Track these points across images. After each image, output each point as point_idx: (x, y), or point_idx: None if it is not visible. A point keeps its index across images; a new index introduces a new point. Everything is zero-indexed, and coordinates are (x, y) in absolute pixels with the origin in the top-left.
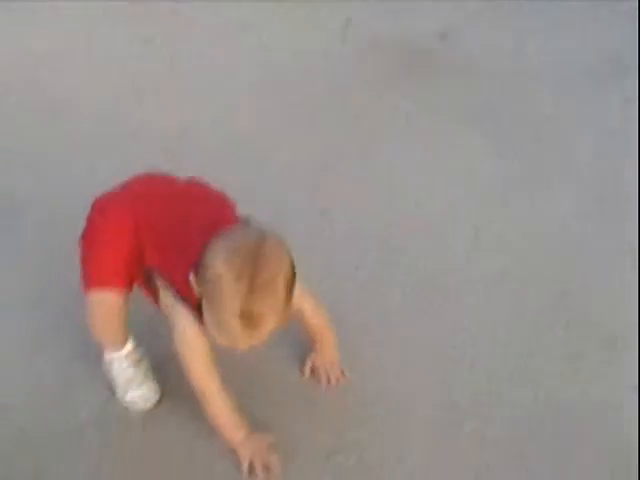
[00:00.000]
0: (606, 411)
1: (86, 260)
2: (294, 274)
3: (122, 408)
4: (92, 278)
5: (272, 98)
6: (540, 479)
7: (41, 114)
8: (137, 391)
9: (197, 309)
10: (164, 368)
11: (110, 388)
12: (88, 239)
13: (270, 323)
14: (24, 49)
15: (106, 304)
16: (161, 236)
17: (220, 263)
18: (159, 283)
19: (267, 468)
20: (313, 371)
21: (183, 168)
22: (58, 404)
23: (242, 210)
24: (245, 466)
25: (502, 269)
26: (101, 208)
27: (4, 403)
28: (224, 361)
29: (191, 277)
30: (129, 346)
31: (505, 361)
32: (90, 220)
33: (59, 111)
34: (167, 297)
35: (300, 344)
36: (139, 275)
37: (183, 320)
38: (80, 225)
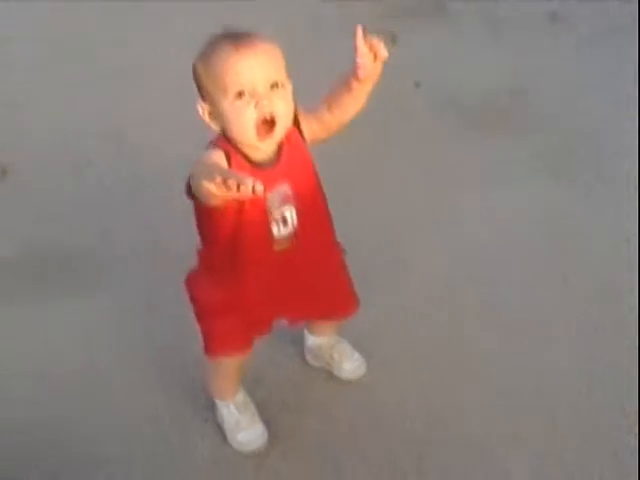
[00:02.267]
0: None
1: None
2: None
3: (234, 450)
4: (212, 346)
5: (349, 150)
6: None
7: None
8: (244, 433)
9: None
10: (270, 413)
11: (222, 432)
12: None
13: (269, 51)
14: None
15: (226, 366)
16: None
17: (198, 56)
18: None
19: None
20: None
21: None
22: (175, 446)
23: None
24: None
25: (592, 316)
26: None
27: (125, 449)
28: None
29: (199, 105)
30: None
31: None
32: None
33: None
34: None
35: None
36: None
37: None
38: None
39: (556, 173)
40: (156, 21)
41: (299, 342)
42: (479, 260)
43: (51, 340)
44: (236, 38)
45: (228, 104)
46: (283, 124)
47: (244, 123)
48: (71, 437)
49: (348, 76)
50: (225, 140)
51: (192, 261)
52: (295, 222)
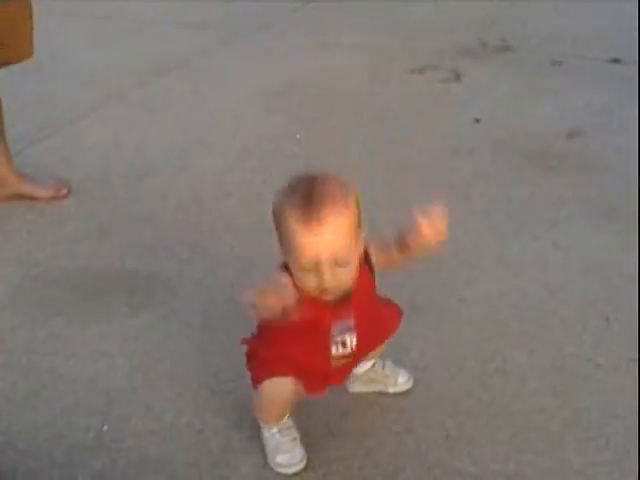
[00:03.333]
0: None
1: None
2: (357, 203)
3: (275, 473)
4: (260, 373)
5: (404, 181)
6: None
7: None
8: (284, 456)
9: None
10: (313, 438)
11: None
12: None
13: (338, 229)
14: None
15: (277, 388)
16: None
17: (276, 203)
18: None
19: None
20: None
21: None
22: (218, 464)
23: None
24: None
25: (632, 357)
26: None
27: (169, 459)
28: None
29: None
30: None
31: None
32: None
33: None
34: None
35: None
36: None
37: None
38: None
39: (611, 216)
40: None
41: None
42: (531, 300)
43: (103, 352)
44: (308, 205)
45: (292, 265)
46: (344, 289)
47: (305, 286)
48: (118, 439)
49: (408, 236)
50: None
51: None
52: (354, 345)
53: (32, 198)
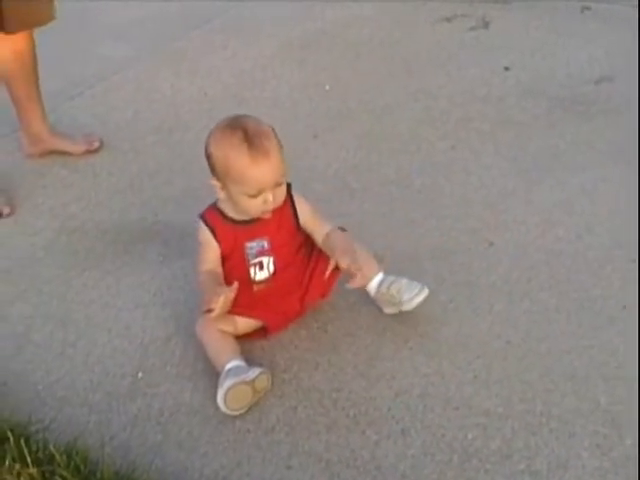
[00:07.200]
0: None
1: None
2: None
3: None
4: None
5: (436, 136)
6: None
7: None
8: (220, 391)
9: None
10: (341, 380)
11: None
12: None
13: (276, 158)
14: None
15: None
16: None
17: (217, 146)
18: None
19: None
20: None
21: (357, 199)
22: (251, 408)
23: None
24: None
25: None
26: None
27: (203, 403)
28: None
29: (212, 181)
30: (237, 362)
31: None
32: None
33: None
34: None
35: None
36: None
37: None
38: None
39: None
40: None
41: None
42: (559, 243)
43: (137, 302)
44: (252, 143)
45: (239, 195)
46: (280, 204)
47: (249, 211)
48: (152, 385)
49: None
50: (214, 207)
51: None
52: (272, 269)
53: (66, 154)
